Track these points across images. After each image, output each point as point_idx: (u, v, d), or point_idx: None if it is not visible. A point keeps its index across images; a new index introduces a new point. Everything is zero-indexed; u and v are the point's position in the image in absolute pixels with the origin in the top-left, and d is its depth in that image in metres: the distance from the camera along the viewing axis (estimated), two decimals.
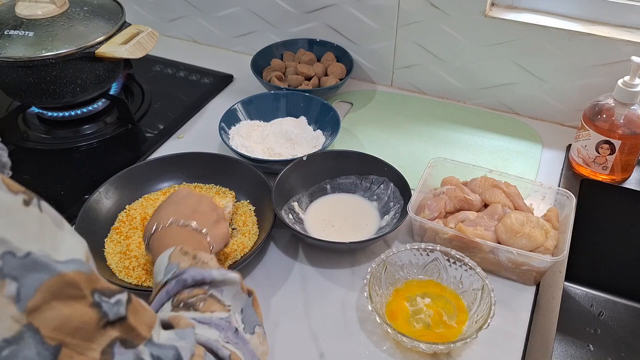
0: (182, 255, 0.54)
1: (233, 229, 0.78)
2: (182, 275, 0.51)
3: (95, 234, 0.77)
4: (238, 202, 0.82)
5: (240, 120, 0.96)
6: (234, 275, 0.52)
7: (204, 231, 0.63)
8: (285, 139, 0.92)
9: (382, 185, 0.84)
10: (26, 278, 0.31)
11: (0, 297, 0.31)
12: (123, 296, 0.37)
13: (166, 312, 0.48)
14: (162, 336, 0.40)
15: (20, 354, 0.31)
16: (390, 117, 1.03)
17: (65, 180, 0.89)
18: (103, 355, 0.35)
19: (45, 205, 0.35)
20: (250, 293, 0.53)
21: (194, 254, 0.55)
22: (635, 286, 0.99)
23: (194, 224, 0.62)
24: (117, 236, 0.77)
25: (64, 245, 0.34)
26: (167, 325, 0.44)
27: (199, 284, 0.51)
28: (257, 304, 0.54)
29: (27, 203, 0.33)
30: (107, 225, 0.79)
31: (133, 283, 0.70)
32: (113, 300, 0.36)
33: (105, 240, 0.77)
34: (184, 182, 0.86)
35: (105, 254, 0.75)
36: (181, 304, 0.48)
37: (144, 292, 0.69)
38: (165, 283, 0.51)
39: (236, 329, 0.48)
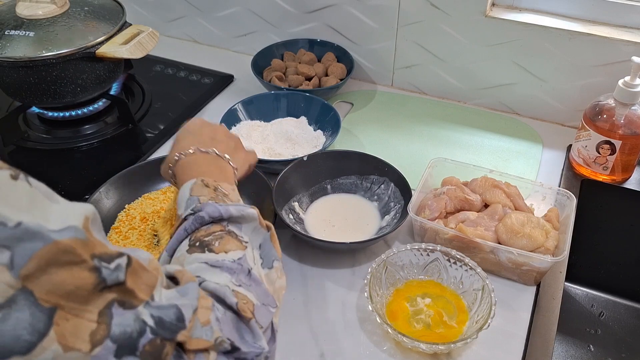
0: (203, 188, 0.54)
1: None
2: (200, 212, 0.51)
3: None
4: None
5: (240, 120, 0.96)
6: (252, 210, 0.52)
7: (226, 157, 0.62)
8: (285, 139, 0.92)
9: (382, 186, 0.84)
10: (18, 247, 0.32)
11: None
12: (123, 260, 0.37)
13: (172, 265, 0.47)
14: (163, 296, 0.40)
15: (12, 315, 0.31)
16: (390, 117, 1.03)
17: (65, 180, 0.89)
18: (100, 316, 0.35)
19: (34, 180, 0.35)
20: (269, 228, 0.53)
21: (215, 186, 0.55)
22: (636, 286, 0.99)
23: (216, 151, 0.62)
24: (116, 236, 0.77)
25: (58, 214, 0.34)
26: (173, 279, 0.44)
27: (217, 220, 0.51)
28: (275, 238, 0.54)
29: (14, 177, 0.34)
30: (107, 225, 0.79)
31: None
32: (113, 265, 0.36)
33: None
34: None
35: None
36: (197, 243, 0.48)
37: None
38: (185, 219, 0.51)
39: (249, 271, 0.48)
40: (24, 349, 0.32)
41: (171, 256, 0.50)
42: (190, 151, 0.61)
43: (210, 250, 0.48)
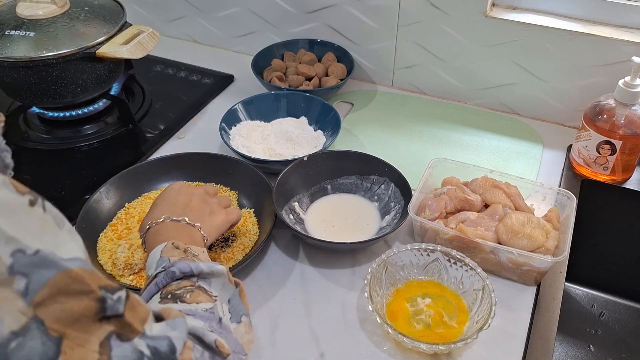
0: (174, 250, 0.56)
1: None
2: (171, 268, 0.53)
3: (95, 234, 0.77)
4: (241, 211, 0.82)
5: (240, 120, 0.96)
6: (221, 267, 0.54)
7: (196, 225, 0.64)
8: (285, 139, 0.92)
9: (382, 186, 0.84)
10: (35, 274, 0.33)
11: (10, 293, 0.32)
12: (122, 293, 0.39)
13: (155, 305, 0.50)
14: (154, 329, 0.41)
15: (27, 344, 0.32)
16: (390, 118, 1.03)
17: (66, 180, 0.89)
18: (101, 347, 0.36)
19: (48, 205, 0.36)
20: (237, 284, 0.55)
21: (185, 248, 0.57)
22: (636, 286, 0.99)
23: (186, 218, 0.64)
24: (111, 233, 0.77)
25: (65, 244, 0.36)
26: (158, 317, 0.45)
27: (187, 276, 0.53)
28: (243, 294, 0.56)
29: (32, 203, 0.35)
30: (106, 223, 0.79)
31: (127, 283, 0.71)
32: (115, 296, 0.37)
33: (101, 235, 0.77)
34: (185, 182, 0.86)
35: (97, 249, 0.75)
36: (169, 296, 0.50)
37: (138, 292, 0.70)
38: (156, 275, 0.53)
39: (220, 319, 0.50)
40: None
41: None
42: (161, 220, 0.63)
43: (182, 301, 0.50)
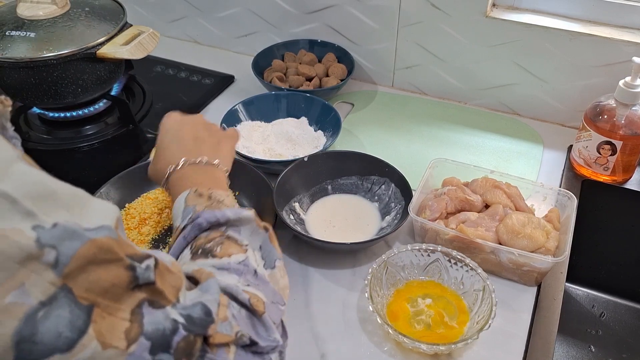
0: (198, 197, 0.55)
1: None
2: (197, 219, 0.51)
3: None
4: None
5: (241, 120, 0.96)
6: (248, 212, 0.52)
7: (215, 162, 0.62)
8: (286, 139, 0.92)
9: (383, 186, 0.84)
10: (62, 246, 0.33)
11: (39, 264, 0.32)
12: (151, 261, 0.38)
13: (187, 264, 0.48)
14: (188, 297, 0.41)
15: (53, 312, 0.32)
16: (391, 118, 1.03)
17: (66, 180, 0.87)
18: (133, 315, 0.36)
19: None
20: (267, 229, 0.53)
21: (209, 194, 0.55)
22: (637, 287, 0.99)
23: (205, 159, 0.62)
24: None
25: (94, 212, 0.35)
26: (191, 279, 0.45)
27: (215, 225, 0.51)
28: (273, 238, 0.54)
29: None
30: None
31: None
32: (144, 265, 0.37)
33: None
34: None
35: None
36: (199, 251, 0.49)
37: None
38: (184, 228, 0.52)
39: (255, 271, 0.49)
40: (65, 346, 0.32)
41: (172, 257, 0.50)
42: (179, 166, 0.61)
43: (214, 256, 0.48)
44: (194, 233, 0.51)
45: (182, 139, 0.65)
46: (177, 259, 0.50)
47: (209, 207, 0.53)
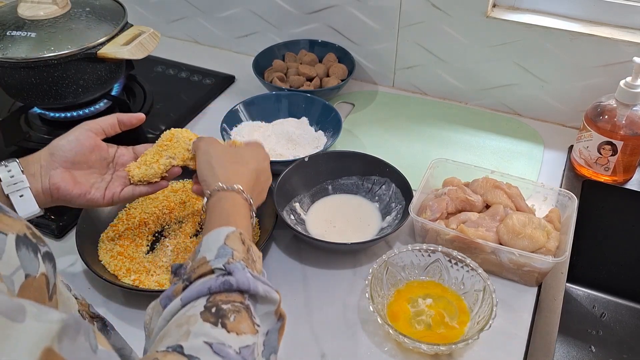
0: (239, 243, 0.52)
1: None
2: (229, 278, 0.48)
3: (96, 234, 0.77)
4: None
5: (242, 121, 0.96)
6: (276, 295, 0.50)
7: (252, 202, 0.61)
8: (286, 139, 0.92)
9: (383, 186, 0.84)
10: None
11: None
12: None
13: (188, 340, 0.44)
14: None
15: None
16: (391, 118, 1.03)
17: None
18: None
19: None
20: (281, 318, 0.51)
21: (248, 246, 0.53)
22: (637, 287, 0.99)
23: (251, 199, 0.61)
24: (112, 234, 0.78)
25: (12, 344, 0.29)
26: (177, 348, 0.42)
27: (242, 290, 0.48)
28: (283, 330, 0.51)
29: None
30: (107, 223, 0.79)
31: (129, 283, 0.71)
32: None
33: (102, 235, 0.77)
34: (186, 179, 0.86)
35: (98, 249, 0.76)
36: (214, 309, 0.45)
37: (141, 292, 0.69)
38: (213, 271, 0.49)
39: None
40: None
41: (184, 305, 0.47)
42: (227, 188, 0.60)
43: (224, 326, 0.45)
44: (221, 289, 0.48)
45: (246, 163, 0.65)
46: (192, 301, 0.47)
47: (245, 260, 0.50)
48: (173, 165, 0.70)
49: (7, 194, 0.62)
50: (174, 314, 0.47)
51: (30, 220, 0.50)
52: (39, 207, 0.63)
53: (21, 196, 0.62)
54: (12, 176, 0.62)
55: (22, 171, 0.63)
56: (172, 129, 0.74)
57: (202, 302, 0.47)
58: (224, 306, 0.46)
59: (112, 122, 0.71)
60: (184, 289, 0.48)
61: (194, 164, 0.69)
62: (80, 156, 0.67)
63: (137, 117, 0.73)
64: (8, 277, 0.35)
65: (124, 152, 0.73)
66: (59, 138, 0.68)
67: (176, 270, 0.53)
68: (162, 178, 0.70)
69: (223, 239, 0.52)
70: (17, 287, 0.35)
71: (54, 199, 0.65)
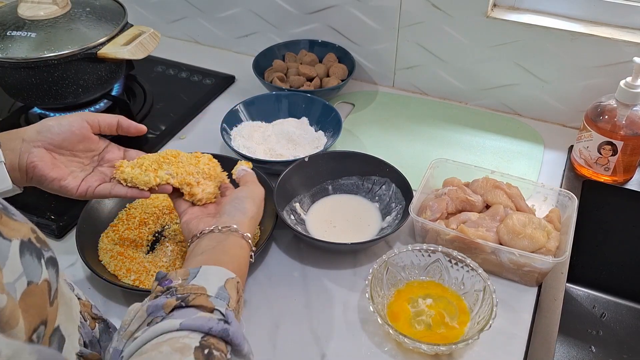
0: (235, 292, 0.52)
1: None
2: (229, 327, 0.48)
3: (97, 234, 0.77)
4: None
5: (242, 121, 0.96)
6: (252, 357, 0.51)
7: (253, 249, 0.62)
8: (286, 139, 0.92)
9: (383, 186, 0.84)
10: None
11: None
12: None
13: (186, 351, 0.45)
14: None
15: None
16: (391, 118, 1.03)
17: None
18: None
19: None
20: None
21: (240, 296, 0.53)
22: (638, 287, 0.99)
23: (253, 252, 0.62)
24: (112, 234, 0.78)
25: None
26: None
27: (232, 343, 0.48)
28: None
29: None
30: (108, 223, 0.79)
31: (129, 283, 0.71)
32: None
33: (102, 235, 0.77)
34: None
35: (99, 249, 0.76)
36: (206, 350, 0.45)
37: (140, 292, 0.69)
38: (213, 310, 0.49)
39: None
40: None
41: (180, 330, 0.47)
42: (247, 236, 0.61)
43: None
44: (218, 333, 0.47)
45: (255, 216, 0.66)
46: (191, 330, 0.46)
47: (235, 310, 0.51)
48: (168, 183, 0.66)
49: None
50: (166, 332, 0.46)
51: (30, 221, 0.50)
52: (13, 183, 0.61)
53: None
54: None
55: None
56: (178, 150, 0.72)
57: (197, 337, 0.46)
58: (215, 352, 0.46)
59: (111, 122, 0.70)
60: (177, 307, 0.48)
61: (189, 190, 0.66)
62: (67, 142, 0.65)
63: (137, 128, 0.71)
64: (11, 284, 0.35)
65: (114, 150, 0.71)
66: (51, 118, 0.66)
67: (161, 280, 0.52)
68: (150, 189, 0.66)
69: (224, 281, 0.52)
70: (18, 295, 0.35)
71: (29, 178, 0.64)
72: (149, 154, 0.70)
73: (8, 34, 0.87)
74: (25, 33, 0.87)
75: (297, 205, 0.82)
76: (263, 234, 0.77)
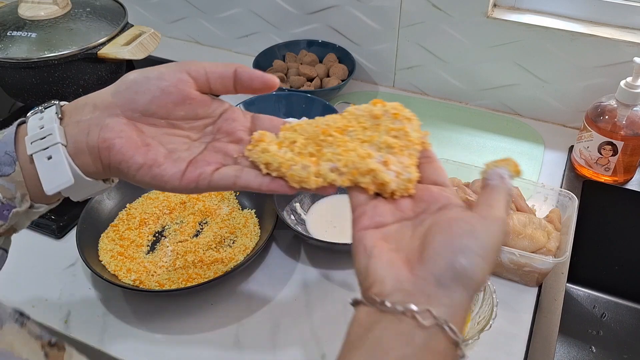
0: None
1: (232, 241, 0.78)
2: None
3: (97, 234, 0.77)
4: (242, 211, 0.82)
5: None
6: None
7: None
8: None
9: None
10: None
11: None
12: None
13: None
14: None
15: None
16: None
17: None
18: None
19: None
20: None
21: None
22: (638, 287, 0.99)
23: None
24: (113, 234, 0.78)
25: None
26: None
27: None
28: None
29: None
30: (108, 223, 0.79)
31: (130, 283, 0.71)
32: None
33: (102, 235, 0.77)
34: None
35: (99, 249, 0.76)
36: None
37: (141, 292, 0.69)
38: None
39: None
40: None
41: None
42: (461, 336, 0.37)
43: None
44: None
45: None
46: None
47: None
48: (332, 184, 0.44)
49: (31, 155, 0.41)
50: None
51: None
52: (85, 175, 0.42)
53: (49, 158, 0.41)
54: (42, 127, 0.42)
55: (59, 118, 0.42)
56: (344, 113, 0.47)
57: None
58: None
59: (224, 73, 0.45)
60: None
61: (373, 180, 0.43)
62: (157, 106, 0.43)
63: (264, 80, 0.46)
64: None
65: (239, 116, 0.47)
66: (134, 71, 0.45)
67: None
68: (301, 187, 0.44)
69: None
70: None
71: (105, 165, 0.42)
72: (299, 122, 0.47)
73: (8, 34, 0.87)
74: (26, 33, 0.87)
75: (297, 205, 0.82)
76: (263, 234, 0.77)
